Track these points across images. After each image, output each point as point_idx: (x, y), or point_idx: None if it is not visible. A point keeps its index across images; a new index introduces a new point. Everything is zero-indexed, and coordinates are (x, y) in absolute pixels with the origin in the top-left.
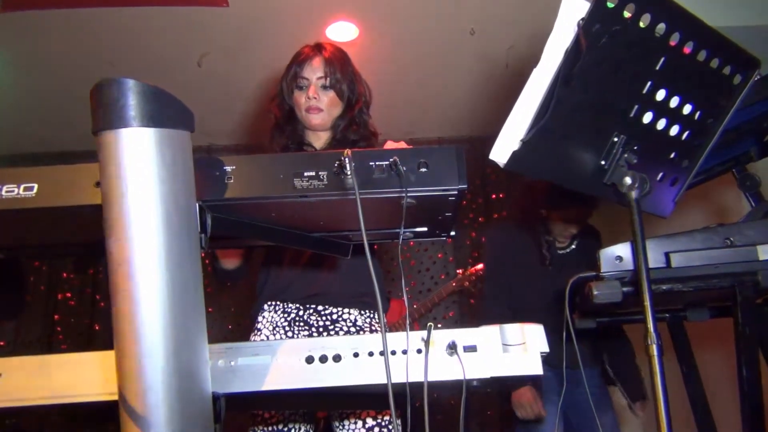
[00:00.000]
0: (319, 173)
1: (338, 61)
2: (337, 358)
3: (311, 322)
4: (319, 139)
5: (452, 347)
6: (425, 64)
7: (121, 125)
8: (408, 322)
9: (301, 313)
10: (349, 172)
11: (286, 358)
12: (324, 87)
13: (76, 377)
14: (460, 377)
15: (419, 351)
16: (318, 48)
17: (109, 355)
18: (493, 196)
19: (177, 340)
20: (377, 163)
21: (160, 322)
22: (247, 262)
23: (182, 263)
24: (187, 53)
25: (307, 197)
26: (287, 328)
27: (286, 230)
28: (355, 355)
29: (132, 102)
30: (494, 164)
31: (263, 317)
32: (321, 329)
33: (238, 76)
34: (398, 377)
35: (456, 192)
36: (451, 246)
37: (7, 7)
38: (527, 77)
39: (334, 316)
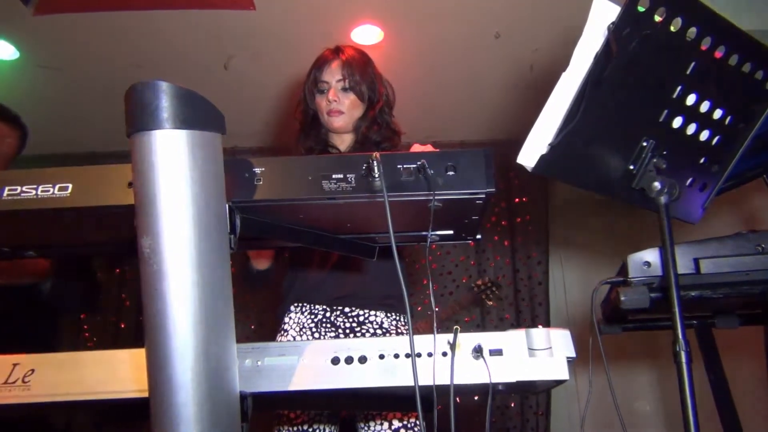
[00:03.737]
0: (347, 176)
1: (357, 63)
2: (362, 360)
3: (338, 324)
4: (343, 142)
5: (478, 351)
6: (449, 67)
7: (155, 127)
8: (435, 324)
9: (328, 314)
10: (377, 175)
11: (312, 358)
12: (344, 89)
13: (107, 374)
14: (486, 381)
15: (444, 354)
16: (336, 51)
17: (139, 353)
18: (516, 200)
19: (206, 339)
20: (405, 166)
21: (190, 322)
22: (276, 264)
23: (212, 263)
24: (214, 56)
25: (334, 199)
26: (314, 329)
27: (313, 232)
28: (381, 356)
29: (165, 104)
30: (518, 168)
31: (290, 318)
32: (348, 331)
33: (264, 79)
34: (423, 380)
35: (483, 195)
36: (473, 249)
37: (40, 11)
38: (552, 79)
39: (361, 318)
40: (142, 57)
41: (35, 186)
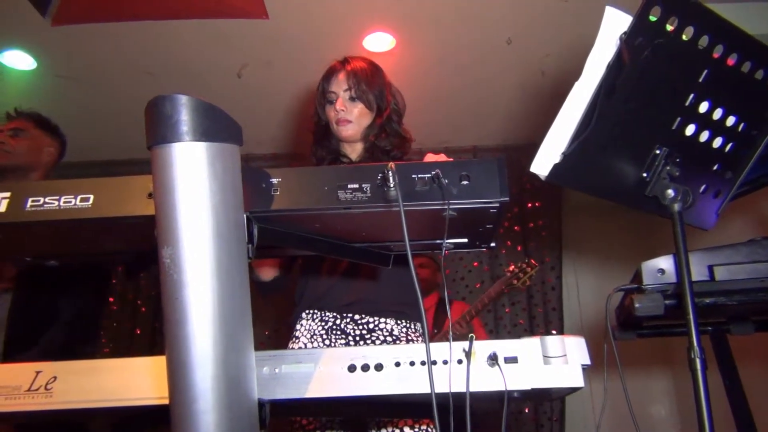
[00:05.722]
0: (363, 185)
1: (363, 73)
2: (378, 367)
3: (348, 331)
4: (353, 151)
5: (493, 358)
6: (461, 74)
7: (175, 140)
8: (450, 333)
9: (338, 321)
10: (392, 185)
11: (328, 366)
12: (351, 99)
13: (128, 381)
14: (501, 388)
15: (460, 362)
16: (344, 62)
17: (159, 360)
18: (529, 204)
19: (226, 347)
20: (420, 175)
21: (209, 330)
22: (287, 273)
23: (231, 272)
24: (227, 64)
25: (350, 209)
26: (324, 337)
27: (329, 240)
28: (397, 364)
29: (185, 117)
30: (531, 173)
31: (301, 325)
32: (357, 338)
33: (277, 87)
34: (438, 387)
35: (498, 204)
36: (486, 255)
37: (58, 22)
38: (563, 85)
39: (371, 326)
40: (155, 65)
41: (57, 197)
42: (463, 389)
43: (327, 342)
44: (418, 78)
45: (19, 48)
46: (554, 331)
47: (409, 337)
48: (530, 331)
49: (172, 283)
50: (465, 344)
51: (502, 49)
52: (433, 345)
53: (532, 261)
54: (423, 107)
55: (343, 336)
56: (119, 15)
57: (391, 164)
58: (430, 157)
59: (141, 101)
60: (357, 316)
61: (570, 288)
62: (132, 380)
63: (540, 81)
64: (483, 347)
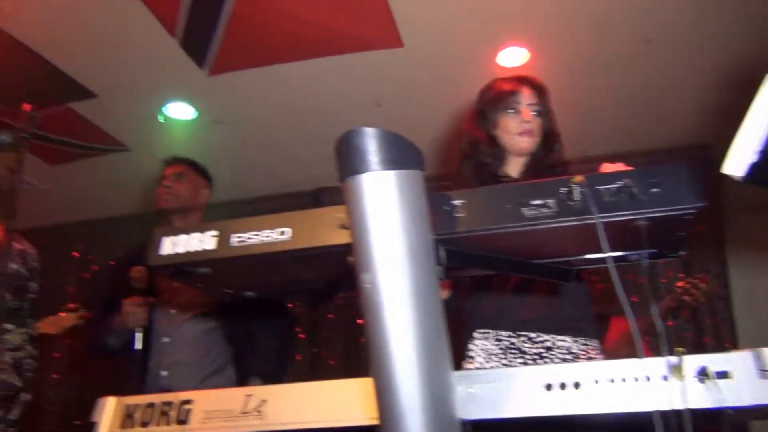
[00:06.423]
0: (547, 201)
1: (545, 91)
2: (577, 386)
3: (525, 350)
4: (516, 165)
5: (703, 374)
6: (596, 82)
7: (365, 170)
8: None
9: (513, 340)
10: (577, 198)
11: (524, 385)
12: (536, 113)
13: (335, 402)
14: (715, 405)
15: (665, 378)
16: (525, 78)
17: (366, 382)
18: None
19: (428, 366)
20: (606, 186)
21: (412, 350)
22: (456, 292)
23: (426, 295)
24: (366, 94)
25: (536, 225)
26: (501, 356)
27: (512, 259)
28: (596, 382)
29: (372, 148)
30: None
31: (475, 345)
32: (536, 357)
33: (415, 112)
34: (647, 405)
35: (693, 210)
36: (640, 267)
37: (215, 71)
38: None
39: (548, 344)
40: (299, 103)
41: (258, 232)
42: (675, 407)
43: (504, 362)
44: (553, 89)
45: (180, 100)
46: (727, 344)
47: (590, 356)
48: (698, 345)
49: (374, 307)
50: (670, 359)
51: (641, 51)
52: (626, 361)
53: (703, 275)
54: (559, 118)
55: (521, 355)
56: (269, 60)
57: (579, 177)
58: (607, 167)
59: (287, 139)
60: (533, 335)
61: (741, 295)
62: (340, 402)
63: (686, 79)
64: (690, 362)
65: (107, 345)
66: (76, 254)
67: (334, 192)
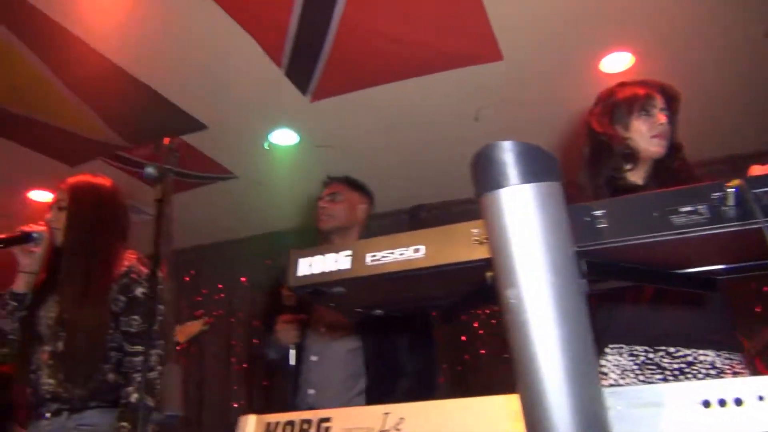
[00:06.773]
0: (698, 207)
1: (678, 99)
2: (738, 402)
3: (664, 366)
4: (640, 170)
5: None
6: (709, 82)
7: (503, 185)
8: None
9: (650, 355)
10: (731, 203)
11: (678, 402)
12: (668, 119)
13: (475, 420)
14: None
15: None
16: (657, 83)
17: (511, 399)
18: None
19: (577, 383)
20: (763, 189)
21: (560, 366)
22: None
23: (571, 309)
24: (465, 109)
25: (688, 233)
26: (638, 372)
27: (657, 270)
28: (760, 398)
29: (510, 161)
30: None
31: (607, 361)
32: (677, 372)
33: (515, 125)
34: None
35: None
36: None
37: (317, 97)
38: None
39: (689, 359)
40: (398, 122)
41: (392, 251)
42: None
43: (642, 378)
44: None
45: (284, 126)
46: None
47: (735, 370)
48: None
49: (520, 323)
50: None
51: (757, 47)
52: None
53: None
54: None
55: (660, 371)
56: (368, 83)
57: (736, 181)
58: (756, 170)
59: (384, 157)
60: (671, 349)
61: None
62: (480, 419)
63: None
64: None
65: (268, 355)
66: (186, 278)
67: (431, 209)
